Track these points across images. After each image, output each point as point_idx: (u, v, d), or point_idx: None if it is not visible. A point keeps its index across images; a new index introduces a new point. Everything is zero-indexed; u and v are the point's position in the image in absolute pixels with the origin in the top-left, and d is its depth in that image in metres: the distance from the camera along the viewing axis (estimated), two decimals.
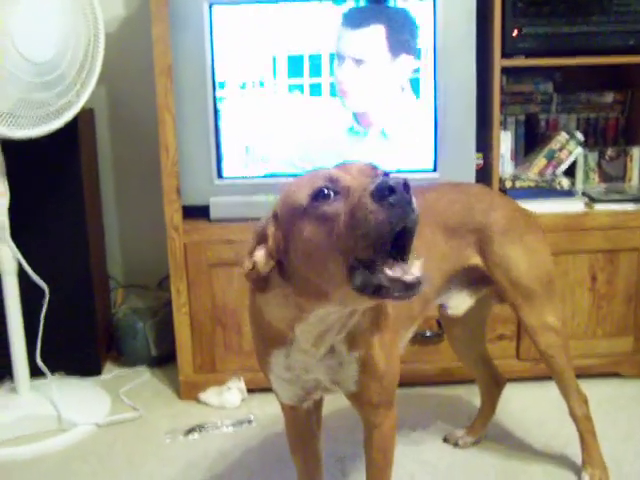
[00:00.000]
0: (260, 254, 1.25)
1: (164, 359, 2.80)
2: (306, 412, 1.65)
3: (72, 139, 2.57)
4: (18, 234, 2.35)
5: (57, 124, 2.25)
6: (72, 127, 2.44)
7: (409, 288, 1.12)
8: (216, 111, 2.43)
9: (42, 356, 2.44)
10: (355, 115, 2.44)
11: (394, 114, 2.45)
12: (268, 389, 1.60)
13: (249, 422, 2.38)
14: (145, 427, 2.40)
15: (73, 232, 2.66)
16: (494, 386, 2.23)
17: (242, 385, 2.52)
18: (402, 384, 2.13)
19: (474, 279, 1.87)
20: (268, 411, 2.42)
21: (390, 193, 1.08)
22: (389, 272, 1.12)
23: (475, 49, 2.40)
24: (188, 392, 2.55)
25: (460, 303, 1.91)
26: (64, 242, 2.66)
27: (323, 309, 1.26)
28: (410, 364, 2.49)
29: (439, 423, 2.37)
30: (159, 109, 2.37)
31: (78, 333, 2.72)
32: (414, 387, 2.55)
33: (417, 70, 2.40)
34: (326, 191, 1.16)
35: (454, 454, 2.20)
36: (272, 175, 2.48)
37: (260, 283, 1.29)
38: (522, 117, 2.75)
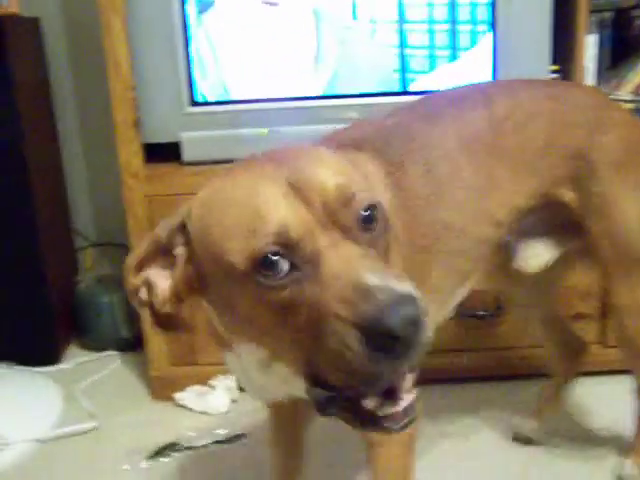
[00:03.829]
0: (162, 284, 0.86)
1: (138, 342, 2.17)
2: (288, 408, 1.21)
3: None
4: None
5: None
6: None
7: (391, 425, 0.79)
8: (185, 13, 1.74)
9: None
10: None
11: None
12: None
13: (239, 437, 1.76)
14: (102, 444, 1.79)
15: (11, 177, 2.01)
16: (571, 357, 1.66)
17: (231, 383, 1.90)
18: (447, 380, 1.89)
19: (562, 225, 1.33)
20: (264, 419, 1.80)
21: (390, 342, 0.70)
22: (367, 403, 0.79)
23: None
24: (161, 391, 1.94)
25: (536, 255, 1.36)
26: (1, 191, 2.03)
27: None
28: (456, 354, 1.90)
29: (501, 421, 1.79)
30: (101, 9, 1.69)
31: (27, 311, 2.11)
32: (464, 383, 1.92)
33: None
34: (275, 260, 0.75)
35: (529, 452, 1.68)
36: (265, 100, 1.81)
37: (162, 320, 0.89)
38: (609, 15, 2.00)
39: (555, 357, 1.68)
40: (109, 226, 2.51)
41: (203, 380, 1.92)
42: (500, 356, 1.94)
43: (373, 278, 0.71)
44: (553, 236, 1.35)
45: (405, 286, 0.72)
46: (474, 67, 1.77)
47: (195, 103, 1.79)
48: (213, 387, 1.89)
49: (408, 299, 0.70)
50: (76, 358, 2.19)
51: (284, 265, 0.74)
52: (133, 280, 0.87)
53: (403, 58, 1.78)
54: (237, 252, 0.76)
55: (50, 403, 1.94)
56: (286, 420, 1.32)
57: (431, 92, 1.44)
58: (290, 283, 0.75)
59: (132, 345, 2.20)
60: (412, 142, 1.15)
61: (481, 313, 1.88)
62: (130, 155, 1.78)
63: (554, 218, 1.31)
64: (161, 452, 1.71)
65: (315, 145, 0.91)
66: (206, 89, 1.80)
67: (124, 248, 2.38)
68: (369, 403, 0.78)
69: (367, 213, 0.78)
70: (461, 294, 1.28)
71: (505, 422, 1.78)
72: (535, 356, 1.91)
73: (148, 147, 1.82)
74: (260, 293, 0.76)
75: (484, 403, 1.86)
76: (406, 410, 0.79)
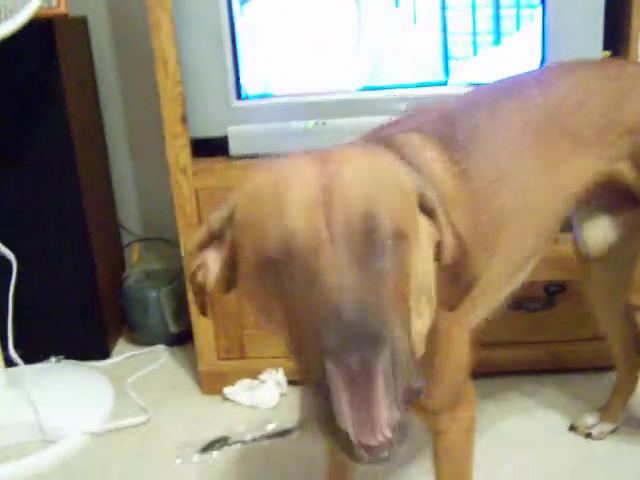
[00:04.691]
0: (214, 268, 0.88)
1: (186, 336, 2.18)
2: None
3: (47, 57, 1.95)
4: None
5: None
6: (45, 41, 1.91)
7: (367, 455, 0.73)
8: (230, 6, 1.74)
9: (36, 338, 2.00)
10: None
11: None
12: None
13: (289, 431, 1.76)
14: (153, 437, 1.80)
15: (60, 174, 2.04)
16: (634, 351, 1.64)
17: (280, 377, 1.90)
18: (498, 373, 1.86)
19: (621, 201, 1.33)
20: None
21: (345, 370, 0.68)
22: (341, 422, 0.71)
23: None
24: (211, 385, 1.95)
25: (599, 234, 1.38)
26: (51, 188, 2.05)
27: None
28: (507, 346, 1.87)
29: (553, 415, 1.77)
30: (150, 7, 1.70)
31: (77, 306, 2.14)
32: (515, 376, 1.90)
33: None
34: (277, 265, 0.75)
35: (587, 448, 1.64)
36: (311, 93, 1.80)
37: (201, 301, 0.94)
38: None
39: (621, 350, 1.66)
40: (155, 221, 2.53)
41: (252, 374, 1.92)
42: (551, 349, 1.91)
43: (351, 312, 0.68)
44: (615, 214, 1.34)
45: (384, 325, 0.69)
46: (521, 54, 1.74)
47: (242, 97, 1.79)
48: (262, 381, 1.90)
49: (376, 340, 0.67)
50: (125, 353, 2.21)
51: (285, 271, 0.74)
52: (192, 263, 0.89)
53: (446, 46, 1.76)
54: (251, 248, 0.78)
55: (101, 397, 1.96)
56: None
57: (480, 83, 1.43)
58: (288, 290, 0.75)
59: (181, 340, 2.22)
60: (476, 128, 1.14)
61: (531, 306, 1.85)
62: (178, 150, 1.78)
63: (615, 195, 1.30)
64: (212, 446, 1.72)
65: (367, 150, 0.90)
66: (251, 83, 1.80)
67: (170, 243, 2.41)
68: (345, 425, 0.71)
69: (389, 242, 0.75)
70: (522, 277, 1.26)
71: (557, 416, 1.76)
72: (586, 349, 1.88)
73: (195, 142, 1.83)
74: (265, 293, 0.78)
75: (535, 397, 1.84)
76: (383, 444, 0.72)
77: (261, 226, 0.77)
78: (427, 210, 0.86)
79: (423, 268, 0.83)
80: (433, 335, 1.00)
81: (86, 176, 2.10)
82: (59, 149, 2.01)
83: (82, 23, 2.23)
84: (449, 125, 1.13)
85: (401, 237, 0.77)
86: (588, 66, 1.29)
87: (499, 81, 1.28)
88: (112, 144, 2.44)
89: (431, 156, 1.07)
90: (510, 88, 1.23)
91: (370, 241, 0.74)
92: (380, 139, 1.07)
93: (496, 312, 1.27)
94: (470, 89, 1.31)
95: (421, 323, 0.86)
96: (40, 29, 1.88)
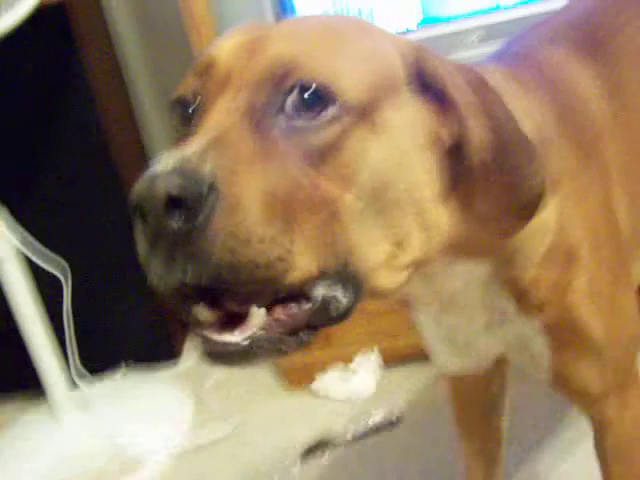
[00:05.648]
0: None
1: None
2: (481, 377, 1.03)
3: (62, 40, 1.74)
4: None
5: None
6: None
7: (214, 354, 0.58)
8: None
9: (101, 349, 1.87)
10: None
11: None
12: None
13: (395, 422, 1.55)
14: (244, 449, 1.60)
15: (97, 166, 1.84)
16: None
17: (374, 361, 1.68)
18: None
19: None
20: (421, 395, 1.59)
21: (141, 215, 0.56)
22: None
23: None
24: (297, 380, 1.74)
25: None
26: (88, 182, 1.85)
27: None
28: None
29: None
30: None
31: (139, 307, 1.94)
32: None
33: None
34: (187, 103, 0.64)
35: None
36: None
37: None
38: None
39: None
40: None
41: (341, 361, 1.71)
42: None
43: (170, 164, 0.55)
44: None
45: (198, 165, 0.54)
46: None
47: None
48: (354, 371, 1.68)
49: (184, 174, 0.54)
50: (196, 354, 2.01)
51: (190, 109, 0.64)
52: None
53: None
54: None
55: (178, 409, 1.77)
56: (473, 399, 1.10)
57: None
58: (190, 129, 0.63)
59: None
60: (621, 33, 0.89)
61: None
62: None
63: None
64: (312, 452, 1.52)
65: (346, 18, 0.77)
66: None
67: None
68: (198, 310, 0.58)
69: (304, 96, 0.58)
70: None
71: None
72: None
73: None
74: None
75: None
76: (237, 346, 0.57)
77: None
78: (432, 89, 0.63)
79: (391, 166, 0.61)
80: (592, 301, 0.80)
81: (122, 165, 1.89)
82: (91, 140, 1.81)
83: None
84: (589, 32, 0.88)
85: (337, 105, 0.58)
86: None
87: None
88: (145, 128, 2.23)
89: (576, 71, 0.83)
90: None
91: (276, 91, 0.59)
92: (514, 56, 0.84)
93: None
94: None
95: (387, 251, 0.62)
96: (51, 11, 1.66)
